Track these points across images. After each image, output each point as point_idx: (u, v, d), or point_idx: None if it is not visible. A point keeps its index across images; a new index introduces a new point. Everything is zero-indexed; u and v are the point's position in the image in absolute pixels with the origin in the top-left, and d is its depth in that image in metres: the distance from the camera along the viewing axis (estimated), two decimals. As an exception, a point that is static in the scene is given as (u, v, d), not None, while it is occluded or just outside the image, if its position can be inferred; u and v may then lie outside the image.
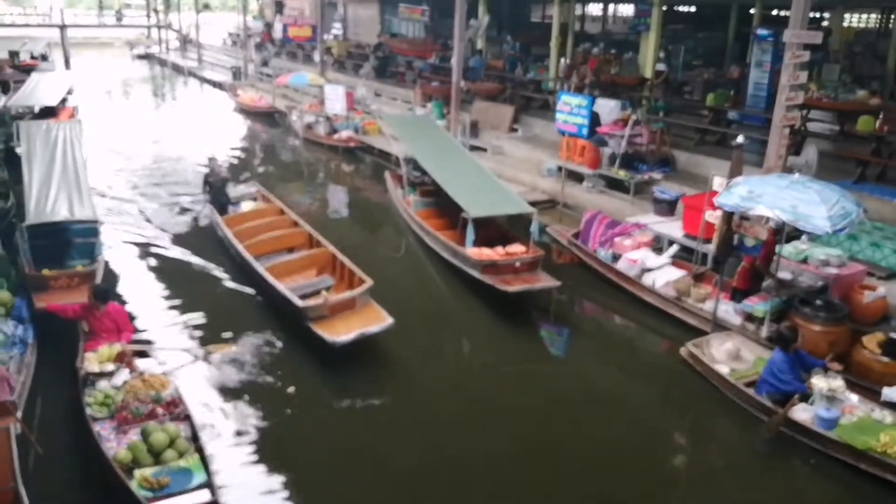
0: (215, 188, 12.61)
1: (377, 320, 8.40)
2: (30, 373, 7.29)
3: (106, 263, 9.98)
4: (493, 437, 7.15)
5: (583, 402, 8.03)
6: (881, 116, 12.17)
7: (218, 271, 10.93)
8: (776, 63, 12.92)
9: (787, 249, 9.25)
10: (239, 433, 7.02)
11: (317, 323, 8.25)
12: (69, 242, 9.74)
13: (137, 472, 5.69)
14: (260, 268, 9.55)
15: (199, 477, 5.75)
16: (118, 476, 5.62)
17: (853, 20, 19.58)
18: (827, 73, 15.54)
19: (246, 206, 12.79)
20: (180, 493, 5.59)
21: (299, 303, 8.40)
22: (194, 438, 6.28)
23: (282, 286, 8.95)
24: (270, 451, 6.77)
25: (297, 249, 10.93)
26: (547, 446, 7.04)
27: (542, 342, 9.55)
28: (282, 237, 11.20)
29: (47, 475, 6.18)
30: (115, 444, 6.11)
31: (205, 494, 5.60)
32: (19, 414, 6.34)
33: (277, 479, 6.41)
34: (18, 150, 12.28)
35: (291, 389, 7.78)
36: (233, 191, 13.16)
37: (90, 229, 9.81)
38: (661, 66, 17.22)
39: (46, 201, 9.76)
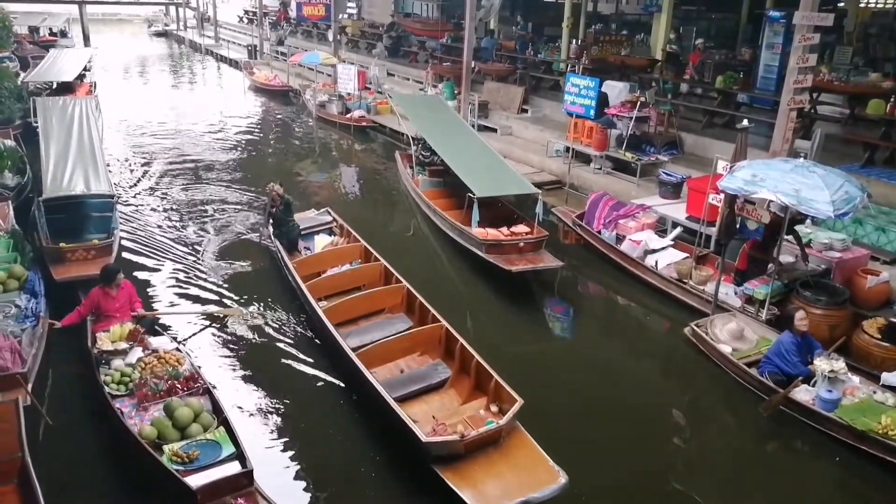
0: (281, 220, 10.20)
1: (542, 473, 5.76)
2: (41, 346, 7.36)
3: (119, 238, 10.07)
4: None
5: (585, 380, 8.14)
6: (892, 99, 12.06)
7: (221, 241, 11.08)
8: (787, 45, 12.81)
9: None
10: (258, 407, 7.13)
11: (446, 468, 5.78)
12: (85, 216, 9.97)
13: (167, 447, 5.73)
14: (350, 352, 7.22)
15: (228, 449, 5.80)
16: (147, 451, 5.64)
17: (870, 1, 19.24)
18: (839, 56, 15.36)
19: (320, 241, 10.49)
20: (211, 465, 5.63)
21: (423, 437, 5.88)
22: (216, 412, 6.33)
23: (392, 400, 6.38)
24: (293, 424, 6.91)
25: (390, 311, 8.66)
26: (550, 425, 7.03)
27: (545, 321, 9.68)
28: (372, 297, 8.73)
29: (56, 446, 6.36)
30: (138, 422, 6.18)
31: (235, 466, 5.64)
32: (30, 386, 6.49)
33: (302, 451, 6.54)
34: (35, 126, 12.53)
35: (319, 383, 7.70)
36: (302, 218, 10.79)
37: (106, 203, 10.03)
38: (671, 48, 17.14)
39: (63, 176, 9.99)
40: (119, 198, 10.96)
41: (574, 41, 19.66)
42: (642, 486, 6.33)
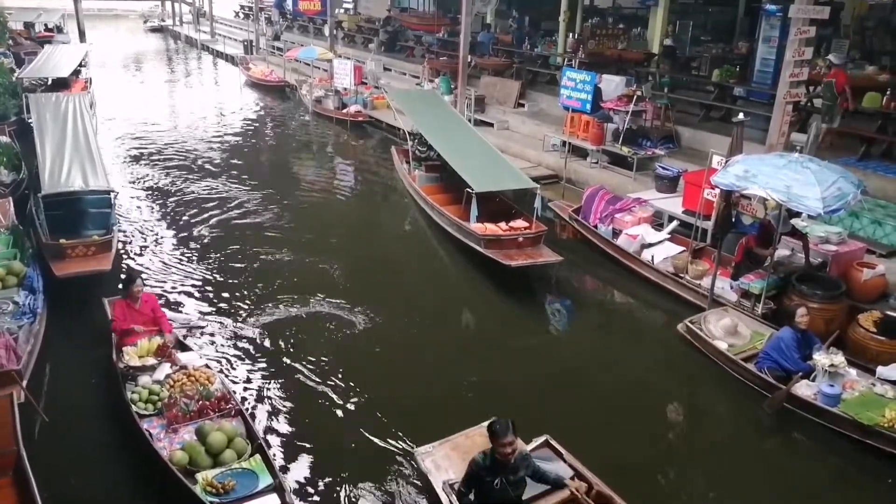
0: (489, 486, 4.97)
1: None
2: (38, 342, 7.38)
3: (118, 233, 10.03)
4: (496, 410, 7.17)
5: (581, 375, 8.13)
6: (889, 93, 12.08)
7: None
8: (784, 39, 12.82)
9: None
10: (293, 432, 6.72)
11: None
12: (84, 212, 9.92)
13: (200, 476, 5.41)
14: None
15: (265, 479, 5.43)
16: (180, 481, 5.33)
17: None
18: (836, 49, 15.33)
19: None
20: (247, 497, 5.26)
21: None
22: (249, 437, 5.98)
23: None
24: (331, 453, 6.47)
25: None
26: (546, 419, 7.02)
27: (542, 316, 9.68)
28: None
29: (51, 442, 6.33)
30: (167, 444, 5.87)
31: (273, 499, 5.27)
32: (24, 383, 6.47)
33: (341, 484, 6.04)
34: (30, 122, 12.50)
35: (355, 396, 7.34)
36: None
37: (104, 199, 9.98)
38: (668, 41, 17.15)
39: (60, 172, 9.94)
40: (117, 194, 10.91)
41: (571, 35, 19.63)
42: (642, 480, 6.31)
